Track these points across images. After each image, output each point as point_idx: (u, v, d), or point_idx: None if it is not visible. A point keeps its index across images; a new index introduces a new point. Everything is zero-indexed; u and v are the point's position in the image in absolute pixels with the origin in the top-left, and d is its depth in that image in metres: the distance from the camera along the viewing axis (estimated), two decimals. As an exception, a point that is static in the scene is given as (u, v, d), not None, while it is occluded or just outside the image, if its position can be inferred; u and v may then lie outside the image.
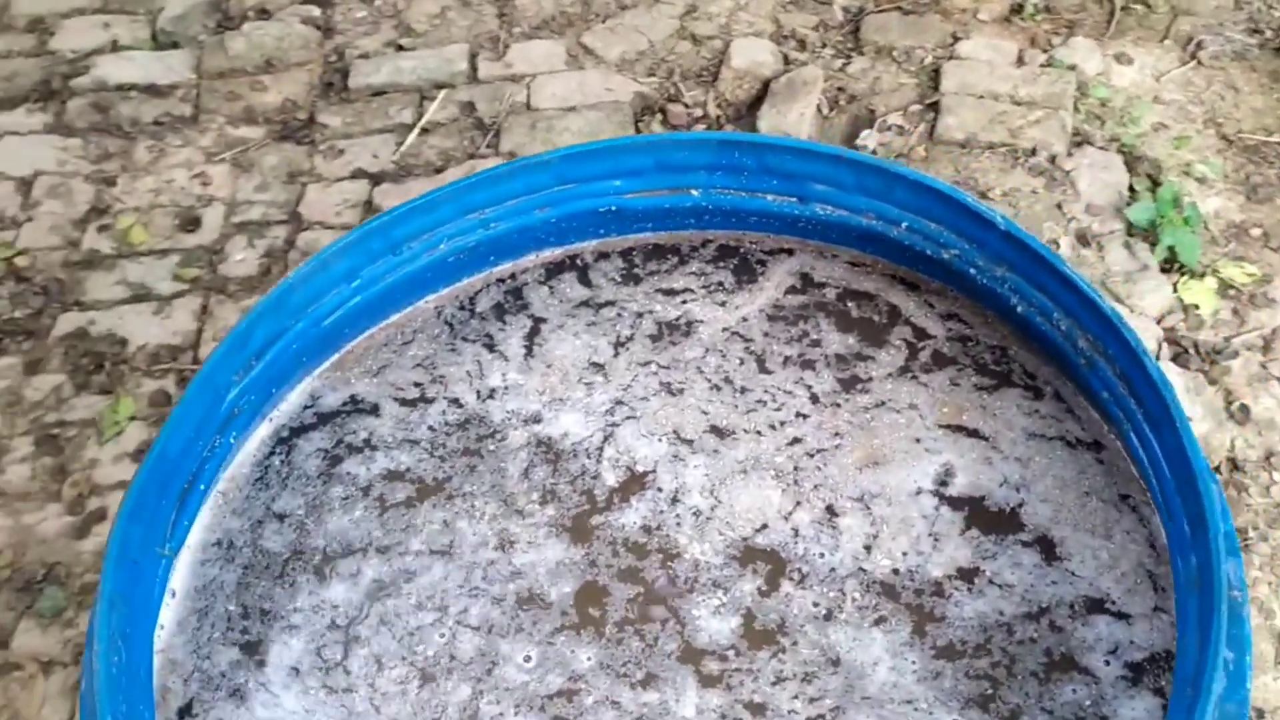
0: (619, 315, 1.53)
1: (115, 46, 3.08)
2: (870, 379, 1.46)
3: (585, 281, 1.56)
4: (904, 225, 1.47)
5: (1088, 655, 1.24)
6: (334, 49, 3.05)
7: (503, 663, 1.28)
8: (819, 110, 2.80)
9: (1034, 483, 1.36)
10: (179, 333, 2.54)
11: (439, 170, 2.78)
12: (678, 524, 1.36)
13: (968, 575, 1.31)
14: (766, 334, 1.51)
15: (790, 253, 1.56)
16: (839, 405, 1.44)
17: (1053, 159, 2.68)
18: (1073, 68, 2.85)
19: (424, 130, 2.86)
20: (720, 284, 1.55)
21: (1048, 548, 1.31)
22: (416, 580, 1.34)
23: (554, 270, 1.57)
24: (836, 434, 1.42)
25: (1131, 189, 2.65)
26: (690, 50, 2.97)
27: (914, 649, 1.26)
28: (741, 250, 1.58)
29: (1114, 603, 1.27)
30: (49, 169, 2.84)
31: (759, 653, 1.27)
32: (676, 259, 1.58)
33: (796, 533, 1.35)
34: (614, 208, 1.53)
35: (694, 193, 1.52)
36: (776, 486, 1.39)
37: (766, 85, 2.85)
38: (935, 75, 2.86)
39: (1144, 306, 2.47)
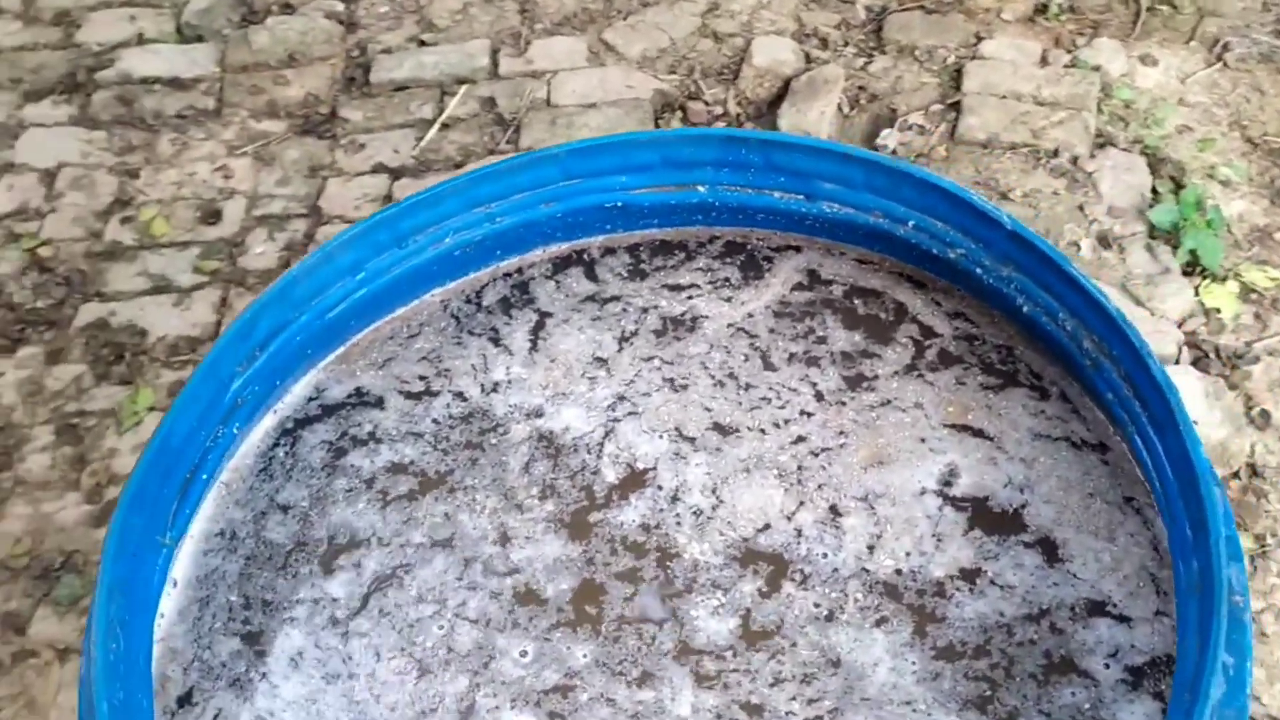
0: (624, 310, 1.53)
1: (140, 40, 3.11)
2: (876, 377, 1.46)
3: (591, 276, 1.56)
4: (911, 224, 1.46)
5: (1088, 658, 1.23)
6: (356, 44, 3.07)
7: (500, 656, 1.28)
8: (840, 109, 2.79)
9: (1038, 484, 1.35)
10: (198, 324, 2.56)
11: (458, 165, 2.79)
12: (678, 523, 1.36)
13: (969, 576, 1.30)
14: (772, 330, 1.50)
15: (797, 250, 1.56)
16: (844, 404, 1.44)
17: (1075, 160, 2.66)
18: (1097, 68, 2.83)
19: (444, 125, 2.86)
20: (726, 280, 1.55)
21: (1050, 549, 1.30)
22: (416, 573, 1.34)
23: (560, 265, 1.57)
24: (841, 433, 1.42)
25: (1154, 191, 2.63)
26: (711, 48, 2.97)
27: (914, 650, 1.26)
28: (748, 247, 1.57)
29: (1115, 606, 1.26)
30: (73, 161, 2.87)
31: (758, 653, 1.27)
32: (683, 255, 1.57)
33: (799, 533, 1.35)
34: (620, 203, 1.52)
35: (700, 189, 1.51)
36: (779, 486, 1.38)
37: (787, 84, 2.85)
38: (957, 75, 2.84)
39: (1165, 310, 2.45)
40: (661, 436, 1.43)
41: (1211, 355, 2.39)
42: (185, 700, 1.26)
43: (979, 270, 1.44)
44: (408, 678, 1.27)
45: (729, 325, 1.51)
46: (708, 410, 1.45)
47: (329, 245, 1.41)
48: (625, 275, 1.56)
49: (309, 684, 1.27)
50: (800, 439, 1.41)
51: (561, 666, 1.27)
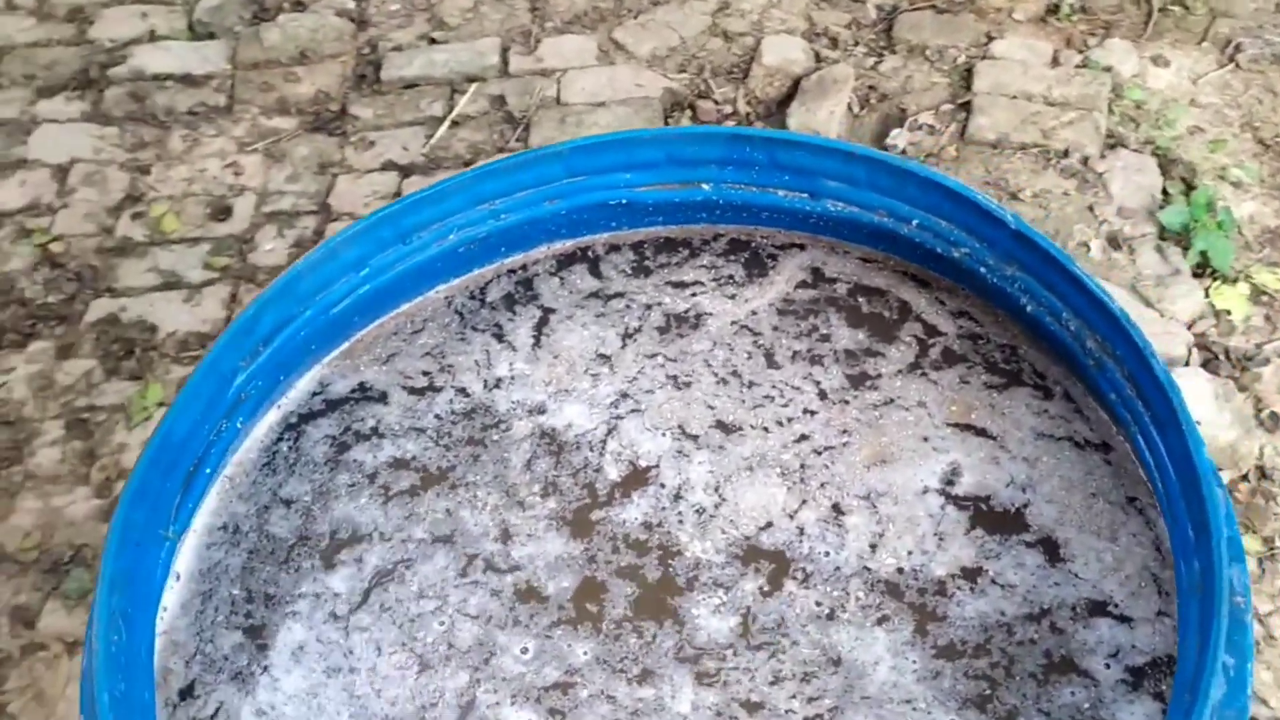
0: (628, 307, 1.53)
1: (152, 36, 3.12)
2: (879, 375, 1.45)
3: (595, 273, 1.56)
4: (915, 223, 1.45)
5: (1088, 658, 1.22)
6: (367, 41, 3.07)
7: (500, 653, 1.28)
8: (849, 109, 2.79)
9: (1040, 483, 1.35)
10: (208, 320, 2.57)
11: (468, 163, 2.79)
12: (680, 521, 1.36)
13: (971, 575, 1.29)
14: (776, 328, 1.50)
15: (801, 248, 1.56)
16: (847, 402, 1.44)
17: (1085, 161, 2.65)
18: (1108, 69, 2.82)
19: (454, 123, 2.87)
20: (730, 277, 1.55)
21: (1052, 549, 1.30)
22: (418, 568, 1.34)
23: (565, 262, 1.57)
24: (844, 431, 1.41)
25: (1165, 192, 2.62)
26: (721, 47, 2.96)
27: (915, 648, 1.25)
28: (752, 245, 1.57)
29: (1117, 606, 1.25)
30: (85, 157, 2.88)
31: (759, 652, 1.27)
32: (687, 252, 1.57)
33: (801, 531, 1.35)
34: (625, 201, 1.52)
35: (705, 187, 1.51)
36: (782, 484, 1.38)
37: (797, 83, 2.84)
38: (968, 75, 2.83)
39: (1175, 311, 2.44)
40: (664, 434, 1.43)
41: (1221, 357, 2.38)
42: (187, 693, 1.27)
43: (983, 269, 1.43)
44: (408, 672, 1.27)
45: (733, 323, 1.51)
46: (711, 408, 1.45)
47: (333, 241, 1.41)
48: (629, 272, 1.56)
49: (310, 678, 1.27)
50: (803, 437, 1.41)
51: (562, 664, 1.27)
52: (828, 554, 1.33)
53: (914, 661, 1.25)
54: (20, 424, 2.43)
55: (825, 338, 1.49)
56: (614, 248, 1.58)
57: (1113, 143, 2.69)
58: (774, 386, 1.46)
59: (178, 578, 1.34)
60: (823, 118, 2.73)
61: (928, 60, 2.89)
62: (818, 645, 1.27)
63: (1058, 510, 1.33)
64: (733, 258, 1.56)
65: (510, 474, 1.40)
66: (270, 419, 1.45)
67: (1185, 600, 1.17)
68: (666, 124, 2.82)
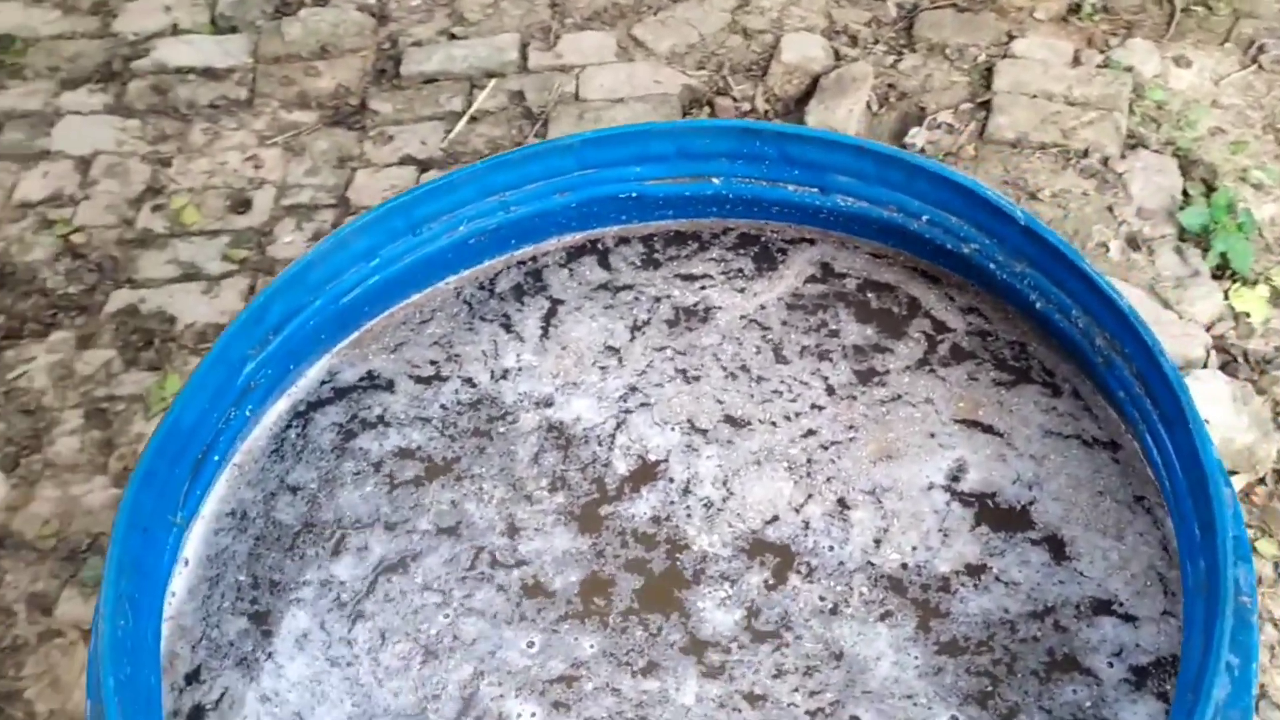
0: (636, 299, 1.53)
1: (175, 30, 3.14)
2: (887, 371, 1.45)
3: (605, 265, 1.56)
4: (925, 218, 1.45)
5: (1091, 656, 1.22)
6: (388, 36, 3.08)
7: (505, 646, 1.28)
8: (868, 107, 2.78)
9: (1047, 481, 1.34)
10: (226, 312, 2.58)
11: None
12: (688, 515, 1.36)
13: (975, 572, 1.29)
14: (785, 323, 1.50)
15: (811, 242, 1.55)
16: (855, 398, 1.43)
17: (1105, 161, 2.64)
18: (1130, 69, 2.80)
19: (473, 118, 2.88)
20: (740, 271, 1.55)
21: (1057, 547, 1.29)
22: (423, 560, 1.34)
23: (574, 254, 1.58)
24: (851, 426, 1.41)
25: (1185, 193, 2.60)
26: (740, 44, 2.96)
27: (917, 644, 1.25)
28: (762, 239, 1.57)
29: (1122, 605, 1.25)
30: (108, 149, 2.90)
31: (762, 645, 1.27)
32: (697, 245, 1.57)
33: (807, 525, 1.34)
34: (635, 194, 1.53)
35: (715, 181, 1.51)
36: (789, 479, 1.38)
37: (816, 80, 2.84)
38: (988, 74, 2.82)
39: (1194, 313, 2.42)
40: (674, 429, 1.43)
41: (1240, 359, 2.36)
42: (193, 678, 1.27)
43: (992, 266, 1.43)
44: (412, 663, 1.27)
45: (741, 317, 1.51)
46: (720, 402, 1.44)
47: (343, 231, 1.42)
48: (639, 265, 1.56)
49: (314, 665, 1.28)
50: (811, 432, 1.41)
51: (567, 657, 1.27)
52: (832, 549, 1.32)
53: (916, 657, 1.24)
54: (40, 413, 2.45)
55: (834, 333, 1.49)
56: (624, 240, 1.58)
57: (1133, 143, 2.68)
58: (782, 381, 1.45)
59: (186, 563, 1.34)
60: (841, 116, 2.73)
61: (948, 59, 2.88)
62: (821, 639, 1.26)
63: (1064, 508, 1.32)
64: (742, 252, 1.56)
65: (517, 467, 1.41)
66: (280, 407, 1.46)
67: (1190, 600, 1.17)
68: (684, 121, 2.82)
